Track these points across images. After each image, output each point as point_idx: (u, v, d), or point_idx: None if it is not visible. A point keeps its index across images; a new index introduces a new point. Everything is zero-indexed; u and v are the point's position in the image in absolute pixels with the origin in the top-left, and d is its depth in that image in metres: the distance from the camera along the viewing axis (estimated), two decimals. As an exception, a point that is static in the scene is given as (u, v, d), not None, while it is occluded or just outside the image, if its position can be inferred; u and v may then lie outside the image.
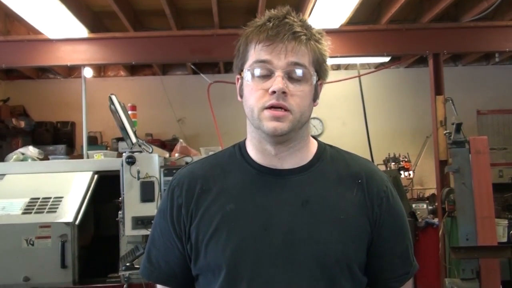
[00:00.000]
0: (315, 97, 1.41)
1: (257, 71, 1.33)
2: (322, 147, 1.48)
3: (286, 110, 1.31)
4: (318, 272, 1.32)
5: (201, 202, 1.40)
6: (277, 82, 1.30)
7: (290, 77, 1.32)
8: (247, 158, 1.44)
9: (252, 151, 1.44)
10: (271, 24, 1.33)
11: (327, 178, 1.41)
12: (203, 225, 1.38)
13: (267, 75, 1.32)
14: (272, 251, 1.32)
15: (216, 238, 1.35)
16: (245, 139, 1.49)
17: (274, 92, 1.30)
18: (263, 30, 1.33)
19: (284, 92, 1.30)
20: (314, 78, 1.37)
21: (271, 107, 1.31)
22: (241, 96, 1.41)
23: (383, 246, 1.41)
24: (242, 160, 1.44)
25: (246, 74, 1.36)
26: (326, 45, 1.40)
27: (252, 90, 1.34)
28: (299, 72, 1.32)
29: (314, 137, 1.51)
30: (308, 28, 1.36)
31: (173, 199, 1.44)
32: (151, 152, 4.08)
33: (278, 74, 1.30)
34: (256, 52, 1.34)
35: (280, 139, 1.36)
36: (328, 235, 1.34)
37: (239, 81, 1.42)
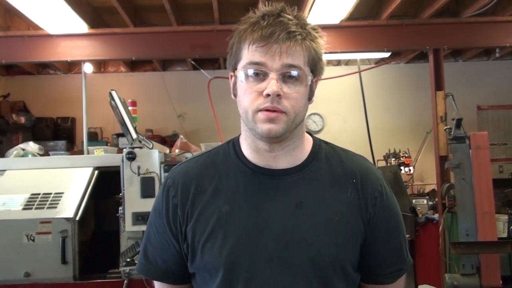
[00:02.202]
0: (310, 96, 1.39)
1: (251, 72, 1.30)
2: (317, 144, 1.46)
3: (280, 112, 1.29)
4: (312, 273, 1.32)
5: (197, 203, 1.39)
6: (271, 85, 1.27)
7: (284, 78, 1.30)
8: (241, 157, 1.42)
9: (246, 150, 1.42)
10: (265, 23, 1.29)
11: (322, 179, 1.40)
12: (199, 226, 1.37)
13: (261, 76, 1.30)
14: (267, 253, 1.32)
15: (212, 240, 1.35)
16: (239, 136, 1.47)
17: (268, 95, 1.28)
18: (257, 29, 1.29)
19: (278, 95, 1.28)
20: (309, 78, 1.34)
21: (265, 109, 1.29)
22: (235, 95, 1.39)
23: (377, 244, 1.41)
24: (237, 159, 1.43)
25: (240, 74, 1.33)
26: (322, 42, 1.37)
27: (246, 92, 1.32)
28: (294, 73, 1.30)
29: (310, 133, 1.49)
30: (303, 26, 1.32)
31: (168, 198, 1.42)
32: (151, 148, 4.09)
33: (272, 76, 1.28)
34: (250, 53, 1.30)
35: (274, 140, 1.34)
36: (322, 237, 1.34)
37: (233, 78, 1.39)
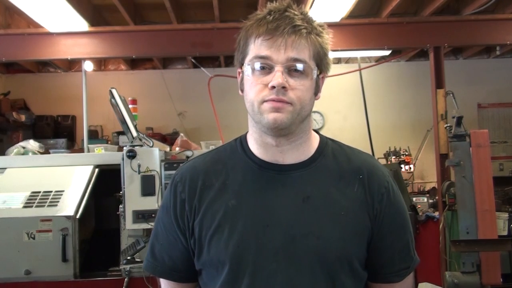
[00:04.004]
0: (317, 90, 1.40)
1: (257, 66, 1.32)
2: (324, 141, 1.47)
3: (286, 102, 1.30)
4: (318, 268, 1.33)
5: (204, 198, 1.40)
6: (277, 77, 1.28)
7: (290, 71, 1.31)
8: (248, 153, 1.44)
9: (253, 145, 1.43)
10: (271, 17, 1.31)
11: (329, 174, 1.41)
12: (206, 221, 1.38)
13: (267, 70, 1.31)
14: (273, 247, 1.33)
15: (218, 234, 1.36)
16: (246, 133, 1.48)
17: (273, 87, 1.29)
18: (263, 24, 1.31)
19: (284, 87, 1.29)
20: (315, 72, 1.35)
21: (271, 100, 1.30)
22: (242, 90, 1.40)
23: (383, 241, 1.41)
24: (244, 154, 1.44)
25: (247, 69, 1.35)
26: (328, 38, 1.38)
27: (252, 85, 1.34)
28: (299, 67, 1.31)
29: (317, 131, 1.50)
30: (309, 21, 1.34)
31: (176, 194, 1.44)
32: (152, 146, 4.08)
33: (278, 69, 1.29)
34: (256, 47, 1.33)
35: (280, 132, 1.35)
36: (328, 231, 1.34)
37: (240, 74, 1.40)
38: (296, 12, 1.33)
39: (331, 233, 1.34)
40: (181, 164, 1.53)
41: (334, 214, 1.36)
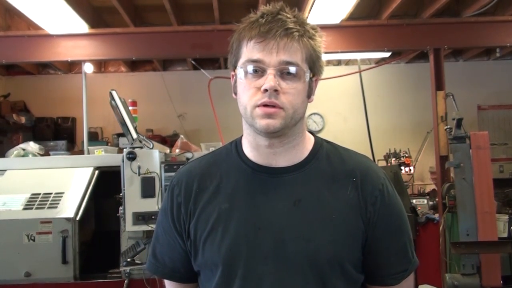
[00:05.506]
0: (309, 93, 1.40)
1: (250, 69, 1.32)
2: (318, 143, 1.47)
3: (278, 107, 1.30)
4: (309, 271, 1.33)
5: (199, 201, 1.42)
6: (269, 80, 1.29)
7: (282, 74, 1.31)
8: (242, 156, 1.45)
9: (247, 148, 1.44)
10: (263, 20, 1.32)
11: (322, 177, 1.41)
12: (201, 223, 1.40)
13: (260, 73, 1.32)
14: (264, 249, 1.34)
15: (212, 236, 1.38)
16: (241, 136, 1.49)
17: (266, 90, 1.29)
18: (255, 27, 1.32)
19: (276, 90, 1.29)
20: (307, 75, 1.35)
21: (263, 105, 1.31)
22: (235, 93, 1.41)
23: (379, 244, 1.40)
24: (238, 158, 1.45)
25: (239, 72, 1.35)
26: (320, 41, 1.38)
27: (245, 88, 1.34)
28: (291, 70, 1.31)
29: (312, 133, 1.50)
30: (301, 24, 1.34)
31: (173, 198, 1.46)
32: (152, 148, 4.09)
33: (270, 72, 1.30)
34: (248, 50, 1.33)
35: (273, 135, 1.35)
36: (319, 234, 1.34)
37: (234, 77, 1.41)
38: (288, 15, 1.33)
39: (322, 236, 1.34)
40: (180, 166, 1.55)
41: (325, 217, 1.36)
